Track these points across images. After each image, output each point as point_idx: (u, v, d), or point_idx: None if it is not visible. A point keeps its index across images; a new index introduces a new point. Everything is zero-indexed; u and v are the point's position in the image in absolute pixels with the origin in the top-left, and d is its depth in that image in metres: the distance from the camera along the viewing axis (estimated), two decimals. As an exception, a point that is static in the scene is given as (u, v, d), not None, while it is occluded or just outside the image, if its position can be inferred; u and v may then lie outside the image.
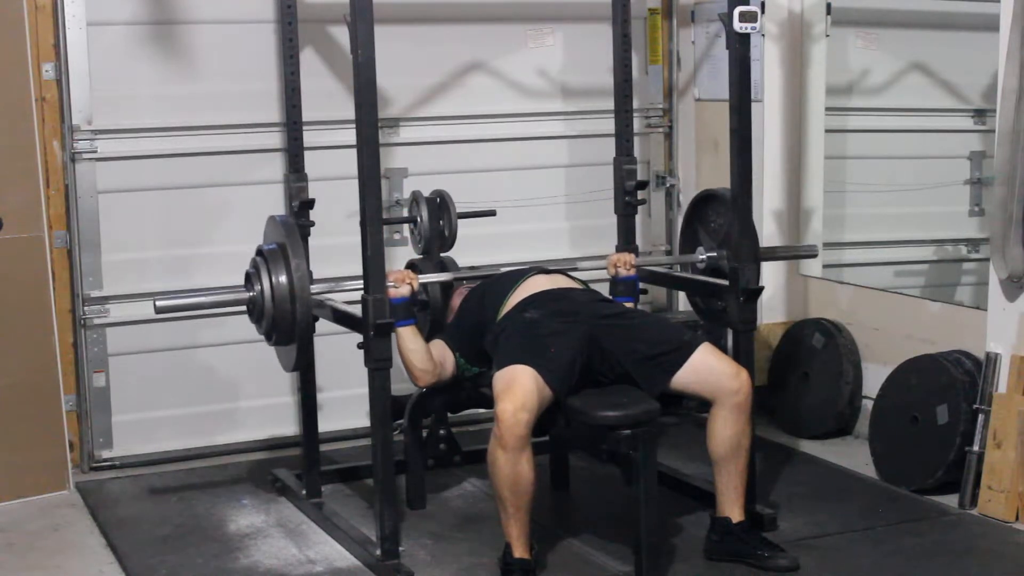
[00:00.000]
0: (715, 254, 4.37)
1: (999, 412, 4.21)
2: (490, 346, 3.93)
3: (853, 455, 4.88)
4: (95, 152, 4.83)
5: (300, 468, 4.59)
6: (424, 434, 4.46)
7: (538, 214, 5.50)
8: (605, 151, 4.95)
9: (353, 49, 3.65)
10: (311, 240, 4.41)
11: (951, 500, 4.34)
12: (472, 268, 4.73)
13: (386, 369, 3.79)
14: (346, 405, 5.12)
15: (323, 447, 4.66)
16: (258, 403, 5.16)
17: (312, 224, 4.47)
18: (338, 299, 4.08)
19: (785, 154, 5.42)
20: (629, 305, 4.26)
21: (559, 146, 5.59)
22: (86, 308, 4.88)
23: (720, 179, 4.49)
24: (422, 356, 3.94)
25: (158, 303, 3.91)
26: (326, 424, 4.75)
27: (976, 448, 4.27)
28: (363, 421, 4.69)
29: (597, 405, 3.69)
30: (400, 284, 3.86)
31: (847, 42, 5.66)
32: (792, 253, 5.06)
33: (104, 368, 4.94)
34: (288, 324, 3.93)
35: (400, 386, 4.06)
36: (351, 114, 3.74)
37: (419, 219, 4.59)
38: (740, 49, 4.01)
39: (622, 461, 3.64)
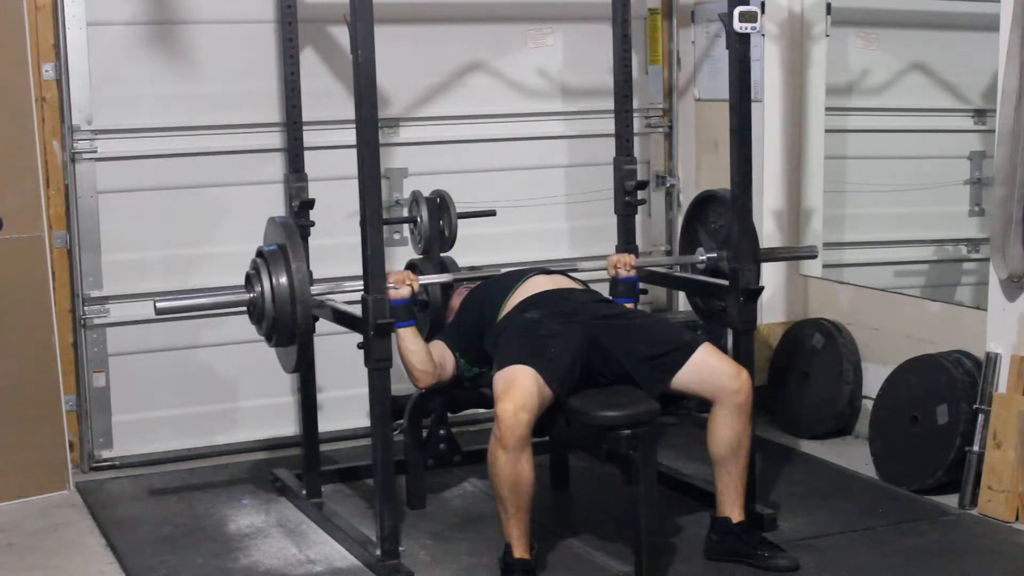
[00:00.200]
0: (715, 255, 4.37)
1: (999, 412, 4.22)
2: (490, 346, 3.93)
3: (853, 455, 4.88)
4: (95, 152, 4.83)
5: (300, 468, 4.59)
6: (424, 434, 4.46)
7: (538, 214, 5.50)
8: (605, 151, 4.95)
9: (353, 49, 3.65)
10: (311, 240, 4.42)
11: (951, 500, 4.34)
12: (472, 268, 4.73)
13: (386, 369, 3.79)
14: (346, 405, 5.12)
15: (323, 447, 4.66)
16: (258, 403, 5.16)
17: (312, 224, 4.47)
18: (338, 299, 4.08)
19: (785, 154, 5.42)
20: (629, 306, 4.26)
21: (559, 146, 5.59)
22: (86, 308, 4.88)
23: (720, 179, 4.49)
24: (422, 357, 3.94)
25: (158, 304, 3.91)
26: (326, 424, 4.75)
27: (976, 448, 4.27)
28: (363, 421, 4.70)
29: (597, 405, 3.69)
30: (400, 285, 3.86)
31: (847, 42, 5.66)
32: (792, 254, 5.06)
33: (104, 368, 4.94)
34: (288, 326, 3.93)
35: (400, 386, 4.06)
36: (351, 114, 3.74)
37: (419, 219, 4.59)
38: (740, 49, 4.01)
39: (622, 461, 3.64)
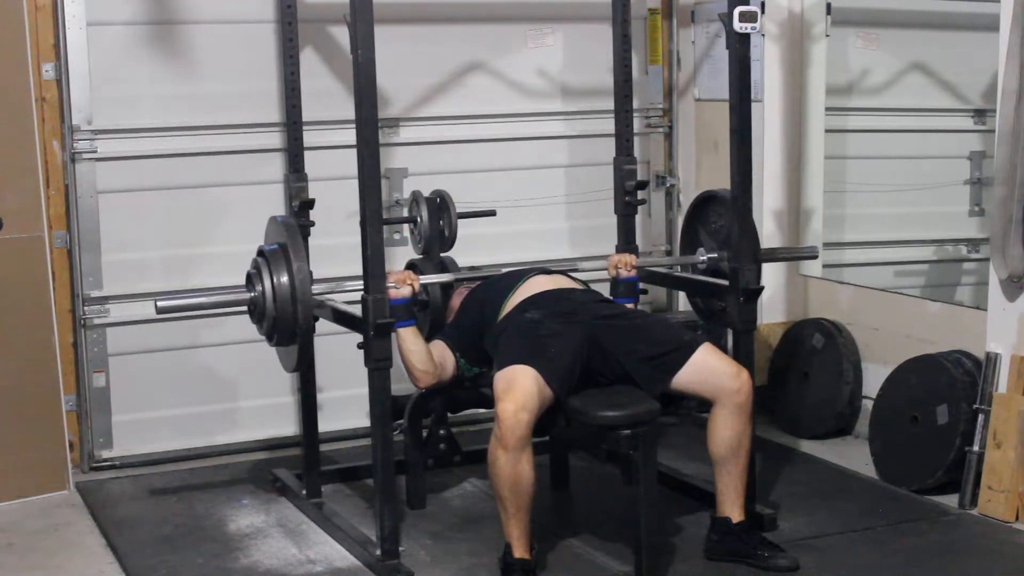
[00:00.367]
0: (716, 255, 4.36)
1: (999, 412, 4.21)
2: (490, 346, 3.93)
3: (853, 455, 4.88)
4: (95, 152, 4.83)
5: (300, 468, 4.59)
6: (424, 434, 4.46)
7: (538, 214, 5.50)
8: (605, 151, 4.95)
9: (353, 49, 3.65)
10: (311, 240, 4.42)
11: (951, 500, 4.34)
12: (472, 268, 4.73)
13: (386, 369, 3.79)
14: (346, 405, 5.12)
15: (323, 447, 4.66)
16: (258, 403, 5.16)
17: (312, 224, 4.47)
18: (338, 299, 4.08)
19: (785, 154, 5.42)
20: (629, 306, 4.25)
21: (559, 146, 5.59)
22: (86, 308, 4.88)
23: (720, 179, 4.49)
24: (422, 357, 3.94)
25: (159, 303, 3.91)
26: (326, 424, 4.75)
27: (976, 448, 4.27)
28: (363, 421, 4.70)
29: (597, 405, 3.68)
30: (401, 285, 3.86)
31: (847, 42, 5.66)
32: (793, 255, 5.05)
33: (104, 368, 4.94)
34: (289, 325, 3.93)
35: (400, 386, 4.06)
36: (351, 114, 3.74)
37: (419, 219, 4.60)
38: (740, 49, 4.01)
39: (622, 461, 3.64)
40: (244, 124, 5.02)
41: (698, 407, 4.66)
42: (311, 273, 4.01)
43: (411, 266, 4.56)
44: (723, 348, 4.07)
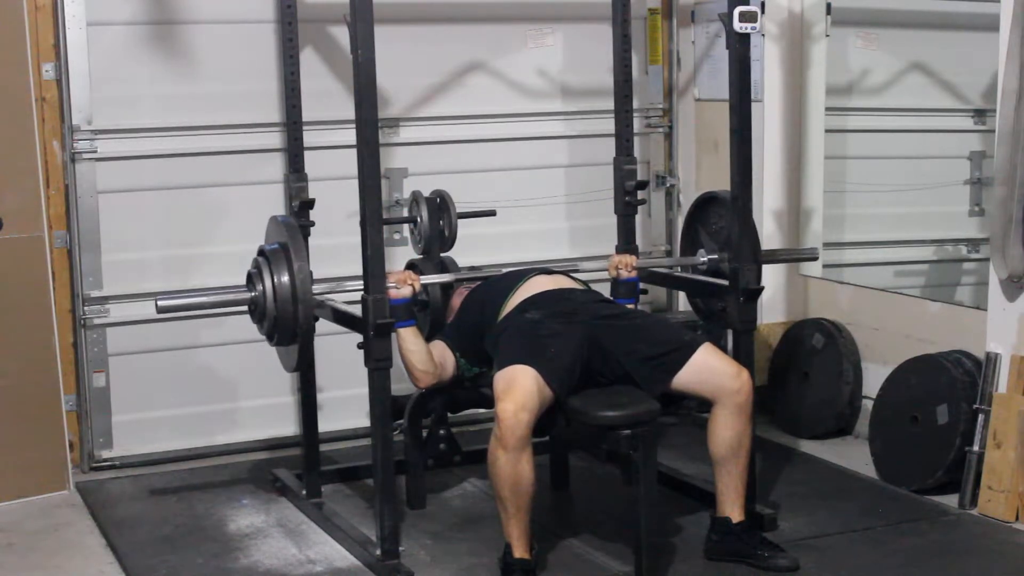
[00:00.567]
0: (716, 256, 4.36)
1: (999, 412, 4.22)
2: (491, 346, 3.93)
3: (853, 455, 4.88)
4: (95, 152, 4.83)
5: (300, 468, 4.59)
6: (424, 434, 4.46)
7: (538, 214, 5.50)
8: (605, 151, 4.95)
9: (353, 49, 3.65)
10: (311, 240, 4.41)
11: (951, 500, 4.34)
12: (472, 268, 4.73)
13: (386, 369, 3.79)
14: (346, 405, 5.12)
15: (323, 447, 4.66)
16: (258, 403, 5.16)
17: (312, 224, 4.47)
18: (338, 299, 4.08)
19: (785, 154, 5.42)
20: (630, 306, 4.25)
21: (559, 146, 5.59)
22: (86, 308, 4.88)
23: (720, 179, 4.49)
24: (423, 357, 3.94)
25: (160, 302, 3.91)
26: (326, 424, 4.75)
27: (976, 448, 4.27)
28: (363, 421, 4.70)
29: (597, 405, 3.68)
30: (401, 285, 3.86)
31: (847, 42, 5.66)
32: (793, 256, 5.05)
33: (104, 368, 4.94)
34: (290, 324, 3.93)
35: (400, 386, 4.06)
36: (351, 114, 3.74)
37: (419, 219, 4.60)
38: (740, 49, 4.01)
39: (622, 461, 3.64)
40: (244, 124, 5.02)
41: (698, 407, 4.66)
42: (311, 273, 4.01)
43: (411, 266, 4.56)
44: (723, 348, 4.07)
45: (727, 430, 3.81)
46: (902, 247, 5.93)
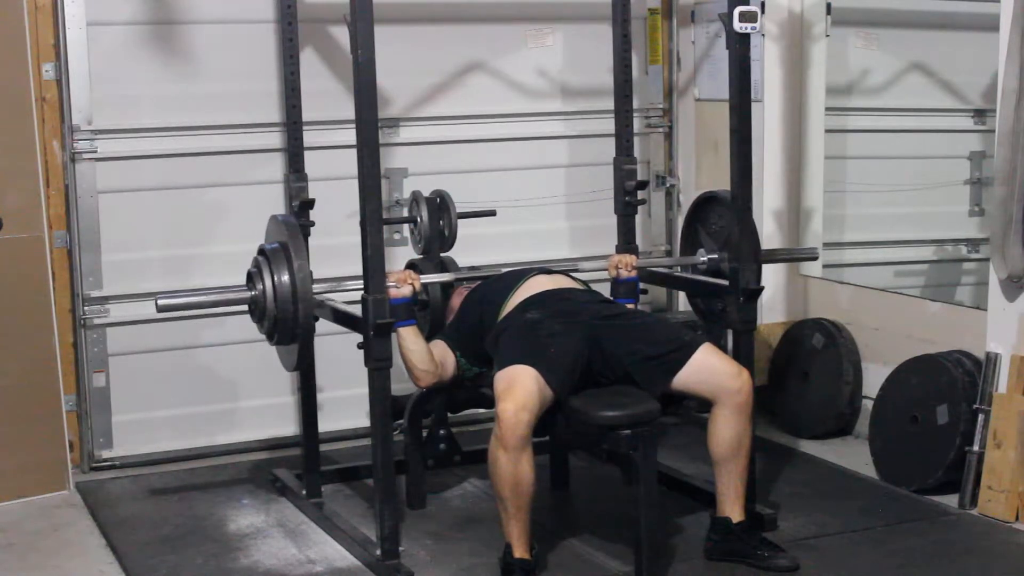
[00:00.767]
0: (716, 256, 4.36)
1: (999, 412, 4.22)
2: (491, 346, 3.93)
3: (853, 455, 4.88)
4: (95, 152, 4.83)
5: (300, 468, 4.59)
6: (424, 434, 4.46)
7: (538, 214, 5.50)
8: (605, 151, 4.95)
9: (353, 49, 3.65)
10: (311, 240, 4.41)
11: (951, 500, 4.34)
12: (472, 268, 4.73)
13: (386, 369, 3.79)
14: (346, 405, 5.12)
15: (323, 447, 4.65)
16: (258, 403, 5.16)
17: (312, 224, 4.47)
18: (338, 299, 4.08)
19: (785, 154, 5.42)
20: (630, 306, 4.25)
21: (559, 146, 5.59)
22: (86, 308, 4.88)
23: (720, 179, 4.49)
24: (423, 356, 3.94)
25: (160, 302, 3.91)
26: (326, 424, 4.75)
27: (976, 448, 4.27)
28: (363, 421, 4.70)
29: (597, 405, 3.69)
30: (401, 285, 3.86)
31: (847, 42, 5.66)
32: (793, 256, 5.05)
33: (104, 368, 4.94)
34: (290, 324, 3.92)
35: (400, 386, 4.06)
36: (351, 114, 3.74)
37: (419, 219, 4.60)
38: (740, 49, 4.01)
39: (622, 461, 3.64)
40: (244, 124, 5.02)
41: (698, 407, 4.66)
42: (311, 272, 4.01)
43: (411, 266, 4.56)
44: (723, 348, 4.07)
45: (727, 430, 3.81)
46: (902, 247, 5.93)
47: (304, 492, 4.49)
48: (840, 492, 4.53)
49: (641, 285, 4.41)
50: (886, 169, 5.86)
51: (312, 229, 4.46)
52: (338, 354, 4.67)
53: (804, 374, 5.22)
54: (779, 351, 5.36)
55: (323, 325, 4.13)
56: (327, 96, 5.00)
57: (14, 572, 4.00)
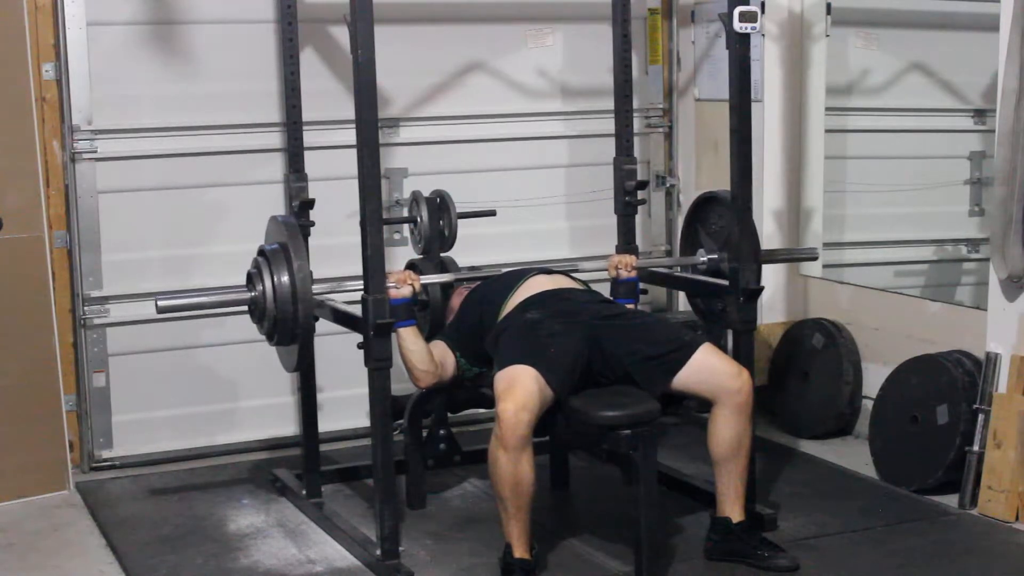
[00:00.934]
0: (716, 256, 4.36)
1: (999, 412, 4.22)
2: (491, 346, 3.93)
3: (853, 455, 4.88)
4: (95, 152, 4.83)
5: (300, 468, 4.59)
6: (424, 434, 4.46)
7: (538, 214, 5.50)
8: (605, 151, 4.95)
9: (353, 49, 3.65)
10: (311, 240, 4.41)
11: (951, 500, 4.34)
12: (472, 268, 4.73)
13: (386, 369, 3.79)
14: (346, 405, 5.12)
15: (323, 447, 4.65)
16: (258, 403, 5.16)
17: (312, 224, 4.47)
18: (338, 299, 4.08)
19: (785, 154, 5.42)
20: (630, 306, 4.25)
21: (559, 146, 5.59)
22: (86, 308, 4.88)
23: (720, 179, 4.49)
24: (423, 357, 3.94)
25: (160, 302, 3.91)
26: (326, 424, 4.75)
27: (976, 448, 4.27)
28: (363, 421, 4.70)
29: (597, 405, 3.69)
30: (401, 285, 3.86)
31: (847, 42, 5.66)
32: (793, 256, 5.05)
33: (104, 368, 4.94)
34: (290, 324, 3.92)
35: (400, 386, 4.06)
36: (351, 114, 3.74)
37: (419, 219, 4.59)
38: (740, 49, 4.01)
39: (622, 461, 3.64)
40: (244, 124, 5.02)
41: (698, 407, 4.66)
42: (311, 272, 4.01)
43: (411, 266, 4.56)
44: (723, 348, 4.07)
45: (727, 430, 3.81)
46: (902, 247, 5.93)
47: (304, 492, 4.49)
48: (840, 492, 4.53)
49: (641, 285, 4.41)
50: (886, 169, 5.86)
51: (312, 229, 4.46)
52: (338, 354, 4.67)
53: (804, 374, 5.22)
54: (779, 351, 5.36)
55: (323, 325, 4.13)
56: (327, 96, 5.00)
57: (14, 572, 4.00)
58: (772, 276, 5.22)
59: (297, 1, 4.51)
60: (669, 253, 5.78)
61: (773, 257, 4.64)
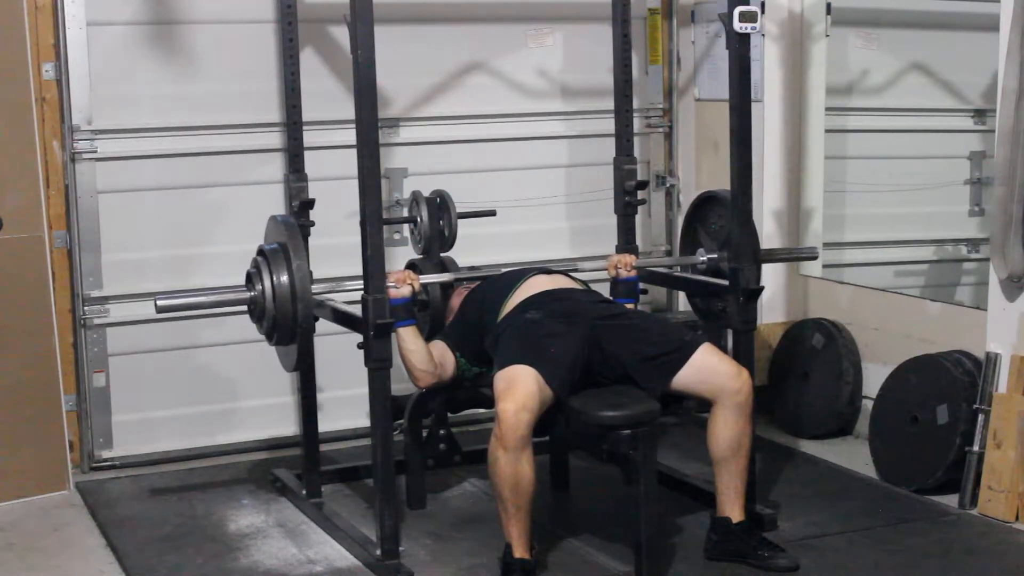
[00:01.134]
0: (716, 256, 4.37)
1: (999, 412, 4.22)
2: (491, 346, 3.93)
3: (853, 455, 4.88)
4: (95, 152, 4.83)
5: (300, 468, 4.59)
6: (424, 434, 4.46)
7: (538, 214, 5.50)
8: (605, 151, 4.95)
9: (353, 49, 3.66)
10: (311, 240, 4.41)
11: (951, 500, 4.34)
12: (472, 268, 4.73)
13: (386, 369, 3.79)
14: (346, 405, 5.12)
15: (323, 447, 4.66)
16: (258, 403, 5.16)
17: (312, 224, 4.47)
18: (338, 299, 4.08)
19: (785, 154, 5.42)
20: (630, 306, 4.25)
21: (559, 146, 5.59)
22: (86, 308, 4.88)
23: (720, 179, 4.49)
24: (422, 357, 3.94)
25: (159, 302, 3.91)
26: (326, 424, 4.75)
27: (976, 448, 4.27)
28: (363, 421, 4.69)
29: (597, 405, 3.68)
30: (401, 285, 3.86)
31: (847, 42, 5.66)
32: (793, 255, 5.05)
33: (104, 368, 4.94)
34: (289, 324, 3.93)
35: (400, 386, 4.06)
36: (351, 114, 3.74)
37: (419, 219, 4.59)
38: (740, 49, 4.01)
39: (622, 461, 3.64)
40: (244, 124, 5.02)
41: (698, 407, 4.66)
42: (311, 272, 4.01)
43: (411, 266, 4.56)
44: (723, 348, 4.07)
45: (727, 430, 3.81)
46: (902, 247, 5.93)
47: (304, 492, 4.49)
48: (840, 492, 4.53)
49: (641, 285, 4.41)
50: (886, 169, 5.86)
51: (312, 229, 4.46)
52: (338, 354, 4.67)
53: (804, 374, 5.22)
54: (779, 351, 5.36)
55: (323, 325, 4.13)
56: (327, 96, 5.00)
57: (14, 572, 4.00)
58: (772, 276, 5.22)
59: (297, 1, 4.51)
60: (669, 253, 5.77)
61: (773, 257, 4.64)
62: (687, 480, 4.46)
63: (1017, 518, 4.15)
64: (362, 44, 3.64)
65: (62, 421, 4.70)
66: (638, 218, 4.90)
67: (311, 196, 4.49)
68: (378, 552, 3.85)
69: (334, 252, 4.70)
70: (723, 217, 4.33)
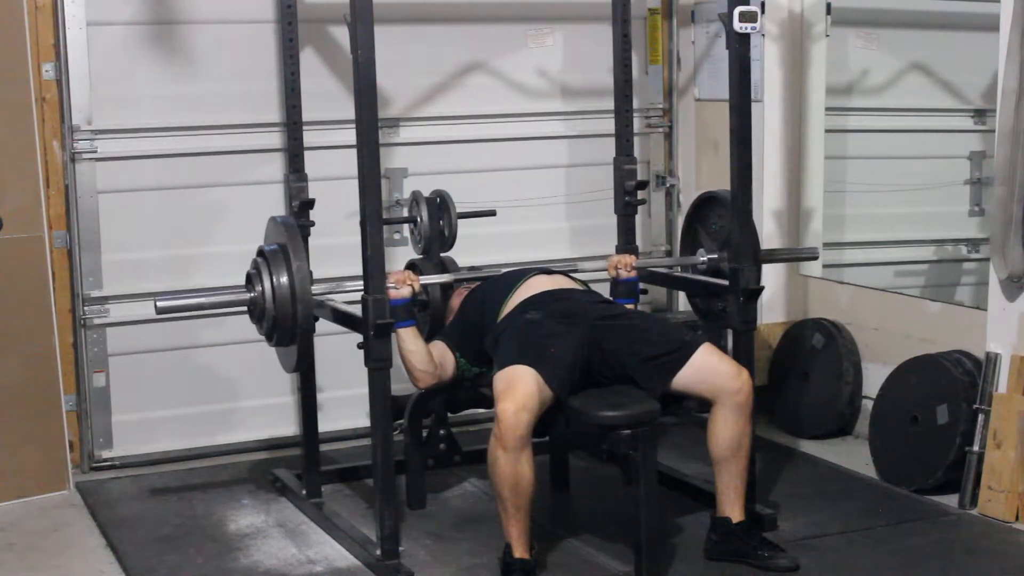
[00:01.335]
0: (716, 256, 4.37)
1: (999, 412, 4.22)
2: (490, 347, 3.93)
3: (853, 455, 4.88)
4: (95, 152, 4.83)
5: (300, 468, 4.59)
6: (424, 434, 4.46)
7: (538, 214, 5.50)
8: (605, 151, 4.95)
9: (353, 49, 3.66)
10: (311, 240, 4.42)
11: (951, 500, 4.34)
12: (472, 268, 4.73)
13: (386, 369, 3.79)
14: (346, 405, 5.12)
15: (323, 447, 4.66)
16: (258, 403, 5.16)
17: (312, 224, 4.47)
18: (338, 299, 4.08)
19: (785, 154, 5.42)
20: (630, 306, 4.25)
21: (559, 146, 5.59)
22: (86, 308, 4.88)
23: (720, 179, 4.49)
24: (422, 357, 3.94)
25: (159, 303, 3.91)
26: (326, 424, 4.75)
27: (976, 448, 4.27)
28: (363, 421, 4.69)
29: (597, 405, 3.68)
30: (401, 285, 3.86)
31: (847, 42, 5.66)
32: (793, 256, 5.05)
33: (104, 368, 4.94)
34: (289, 325, 3.93)
35: (400, 386, 4.06)
36: (351, 114, 3.74)
37: (419, 219, 4.59)
38: (740, 49, 4.01)
39: (622, 461, 3.64)
40: (244, 124, 5.02)
41: (698, 407, 4.65)
42: (311, 273, 4.01)
43: (411, 266, 4.56)
44: (723, 348, 4.07)
45: (727, 430, 3.81)
46: (902, 247, 5.93)
47: (304, 492, 4.49)
48: (840, 492, 4.53)
49: (641, 285, 4.41)
50: (886, 169, 5.86)
51: (312, 229, 4.46)
52: (338, 354, 4.67)
53: (804, 374, 5.22)
54: (779, 351, 5.36)
55: (323, 325, 4.13)
56: (327, 96, 5.00)
57: (14, 572, 4.00)
58: (772, 276, 5.22)
59: (297, 1, 4.51)
60: (669, 253, 5.78)
61: (773, 257, 4.64)
62: (687, 480, 4.46)
63: (1017, 518, 4.15)
64: (362, 44, 3.64)
65: (62, 421, 4.70)
66: (638, 218, 4.90)
67: (311, 196, 4.49)
68: (378, 552, 3.85)
69: (334, 252, 4.70)
70: (723, 217, 4.33)
